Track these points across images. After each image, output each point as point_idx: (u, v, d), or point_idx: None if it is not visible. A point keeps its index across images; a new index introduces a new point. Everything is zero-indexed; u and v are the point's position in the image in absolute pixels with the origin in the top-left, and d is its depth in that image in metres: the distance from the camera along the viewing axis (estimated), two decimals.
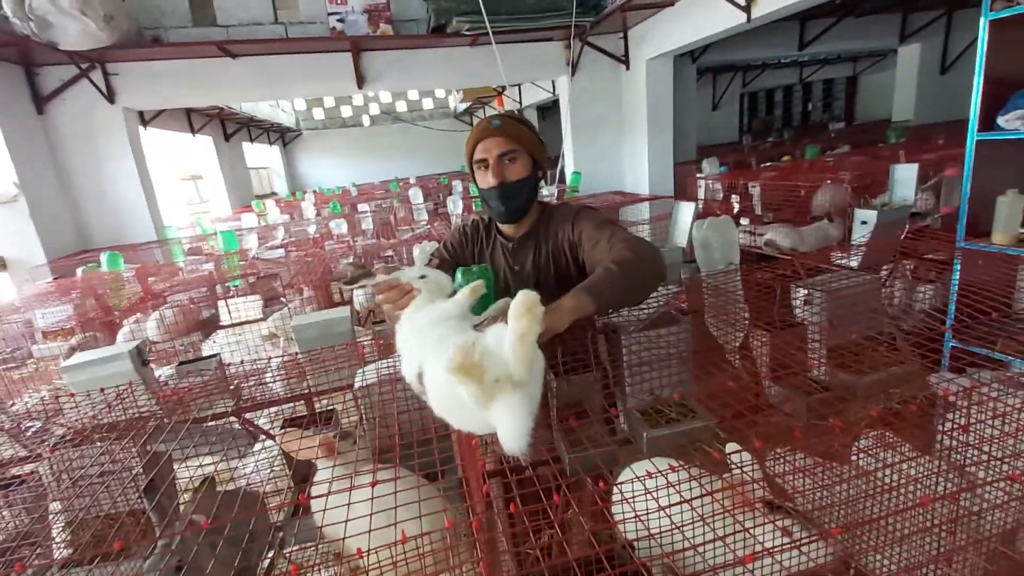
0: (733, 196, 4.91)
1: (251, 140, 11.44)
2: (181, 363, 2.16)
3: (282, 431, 1.45)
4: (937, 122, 7.24)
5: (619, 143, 6.34)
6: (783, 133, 12.41)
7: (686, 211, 2.93)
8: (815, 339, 1.71)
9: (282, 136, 14.48)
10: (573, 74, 5.94)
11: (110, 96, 4.88)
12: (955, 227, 2.44)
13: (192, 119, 8.03)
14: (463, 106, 13.61)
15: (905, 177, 2.98)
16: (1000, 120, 2.16)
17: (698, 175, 5.11)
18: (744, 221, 4.46)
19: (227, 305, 3.24)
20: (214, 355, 2.18)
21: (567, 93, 6.01)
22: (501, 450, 1.59)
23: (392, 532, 0.80)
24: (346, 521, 0.83)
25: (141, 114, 6.66)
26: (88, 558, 1.13)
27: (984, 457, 0.83)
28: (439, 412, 0.92)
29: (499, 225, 1.48)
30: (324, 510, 1.05)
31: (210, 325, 3.56)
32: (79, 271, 3.49)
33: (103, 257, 3.44)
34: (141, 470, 1.33)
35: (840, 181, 4.37)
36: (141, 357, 2.02)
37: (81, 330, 3.41)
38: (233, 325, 3.59)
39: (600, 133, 6.26)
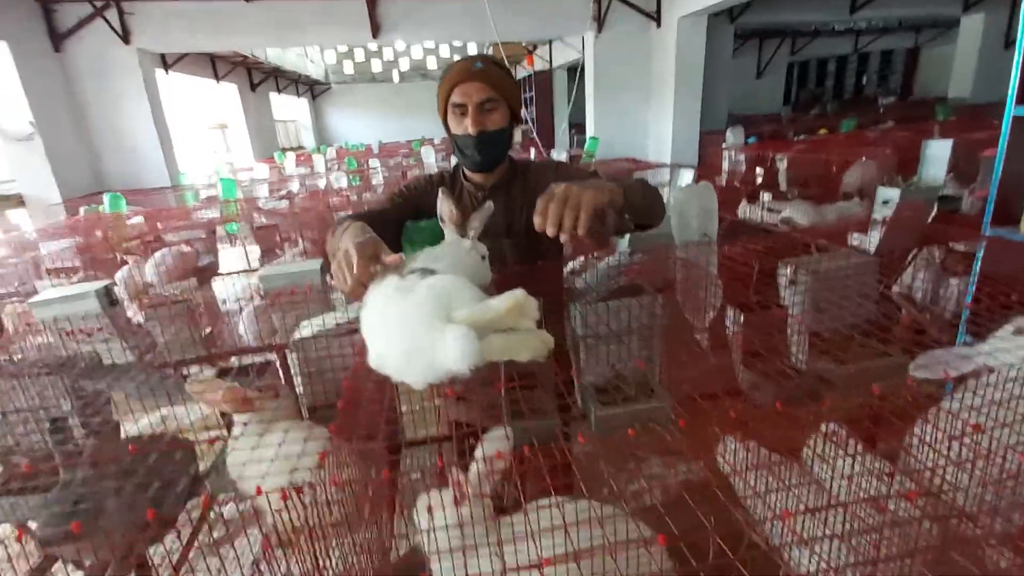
0: (758, 169, 4.63)
1: (279, 91, 11.40)
2: (150, 306, 2.15)
3: (201, 380, 1.41)
4: (994, 101, 6.63)
5: (644, 108, 6.04)
6: (827, 106, 11.68)
7: (686, 177, 2.74)
8: (796, 323, 1.57)
9: (311, 89, 14.40)
10: (600, 30, 5.62)
11: (125, 36, 4.86)
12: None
13: (216, 66, 8.00)
14: None
15: (937, 154, 2.71)
16: None
17: (723, 145, 4.83)
18: (766, 196, 4.21)
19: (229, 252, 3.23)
20: (183, 300, 2.17)
21: (592, 51, 5.71)
22: (454, 415, 1.53)
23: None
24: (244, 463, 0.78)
25: (163, 58, 6.64)
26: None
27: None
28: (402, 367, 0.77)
29: (466, 172, 1.39)
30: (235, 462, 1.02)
31: (207, 272, 3.58)
32: (81, 211, 3.53)
33: (105, 198, 3.46)
34: (69, 408, 1.32)
35: (874, 157, 4.06)
36: (109, 297, 2.01)
37: (83, 269, 3.48)
38: (229, 274, 3.61)
39: (624, 97, 5.96)
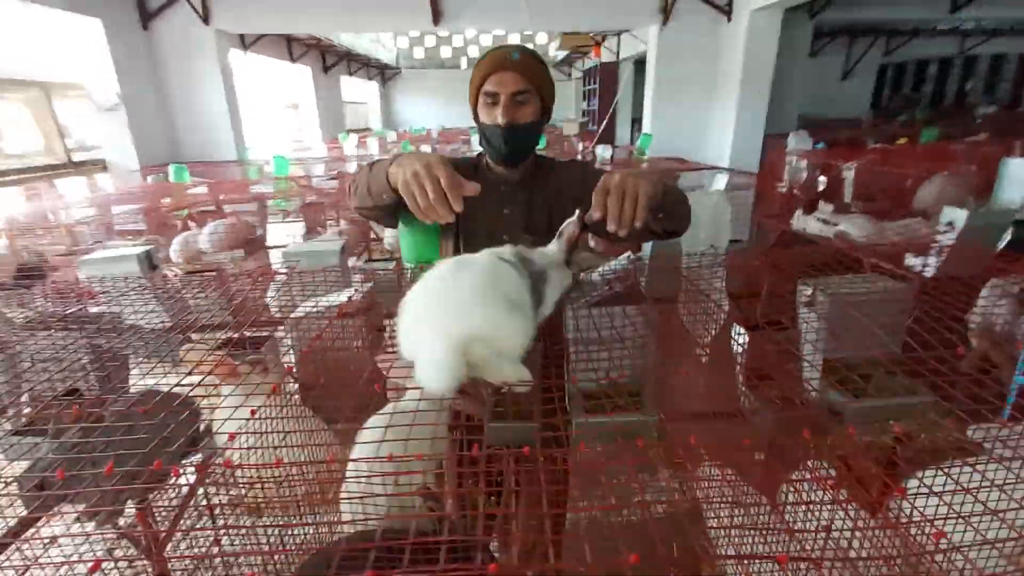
0: (820, 177, 4.32)
1: (350, 74, 11.79)
2: (187, 273, 2.29)
3: (196, 349, 1.48)
4: None
5: (706, 107, 5.77)
6: (916, 113, 10.73)
7: (720, 182, 2.60)
8: (809, 347, 1.46)
9: (381, 72, 14.80)
10: (665, 22, 5.41)
11: (205, 17, 5.16)
12: None
13: (292, 48, 8.37)
14: (561, 54, 13.07)
15: (1017, 175, 2.43)
16: None
17: (786, 150, 4.55)
18: (827, 207, 3.93)
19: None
20: (214, 270, 2.29)
21: (655, 44, 5.51)
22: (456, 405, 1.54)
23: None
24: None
25: (242, 38, 7.01)
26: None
27: None
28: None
29: (490, 163, 1.36)
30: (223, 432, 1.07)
31: (256, 244, 3.78)
32: (149, 179, 3.80)
33: (170, 169, 3.71)
34: (84, 359, 1.43)
35: (958, 172, 3.69)
36: (150, 261, 2.16)
37: (148, 233, 3.76)
38: (275, 247, 3.80)
39: (686, 93, 5.72)
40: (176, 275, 2.18)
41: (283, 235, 4.19)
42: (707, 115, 5.81)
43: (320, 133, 9.81)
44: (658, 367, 1.43)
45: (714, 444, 1.32)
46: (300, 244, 2.21)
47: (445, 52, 13.89)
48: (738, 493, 1.12)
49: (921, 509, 0.65)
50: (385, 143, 6.99)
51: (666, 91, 5.75)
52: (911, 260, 2.61)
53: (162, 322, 1.72)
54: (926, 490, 0.66)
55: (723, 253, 1.37)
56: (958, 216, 2.30)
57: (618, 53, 9.68)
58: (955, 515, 0.60)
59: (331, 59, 10.06)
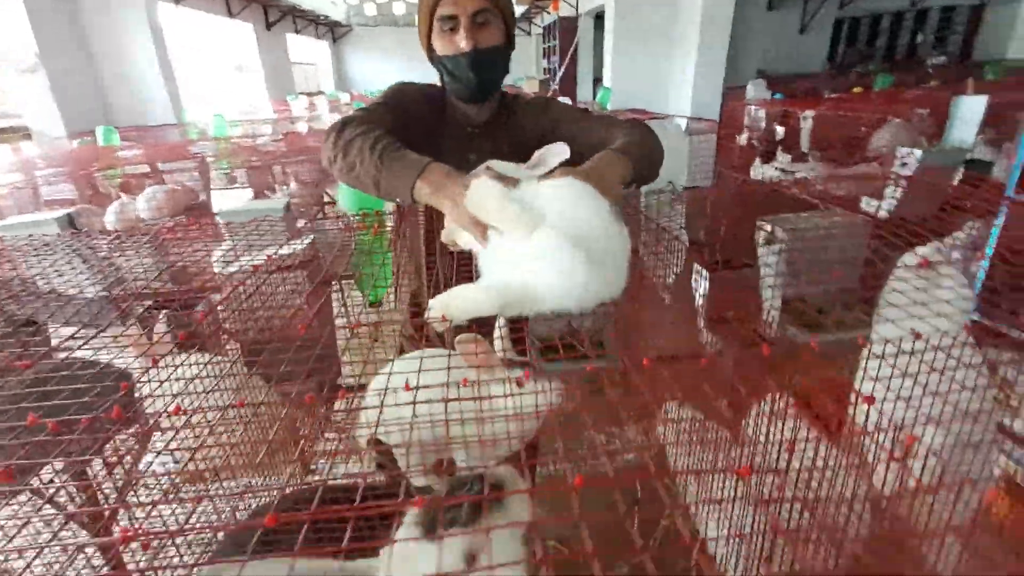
0: (778, 128, 4.32)
1: (296, 31, 11.12)
2: (113, 239, 2.12)
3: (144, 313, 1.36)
4: None
5: (666, 59, 5.67)
6: (870, 66, 10.90)
7: (680, 125, 2.54)
8: (769, 285, 1.44)
9: (331, 31, 14.03)
10: None
11: None
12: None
13: (230, 2, 7.79)
14: (520, 9, 12.63)
15: (968, 114, 2.45)
16: None
17: (744, 101, 4.52)
18: (783, 157, 3.95)
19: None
20: (146, 232, 2.13)
21: None
22: None
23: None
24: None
25: None
26: None
27: None
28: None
29: (455, 105, 1.22)
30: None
31: (200, 211, 3.55)
32: (74, 143, 3.51)
33: (98, 131, 3.42)
34: None
35: (909, 118, 3.74)
36: (72, 225, 1.98)
37: (80, 202, 3.48)
38: (219, 213, 3.58)
39: (646, 46, 5.60)
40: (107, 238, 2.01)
41: (229, 200, 3.96)
42: (667, 68, 5.72)
43: (267, 95, 9.28)
44: (619, 312, 1.40)
45: (678, 385, 1.30)
46: (239, 205, 2.07)
47: (399, 8, 13.21)
48: (703, 432, 1.10)
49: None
50: (339, 105, 6.66)
51: (625, 44, 5.61)
52: (866, 204, 2.63)
53: (85, 288, 1.57)
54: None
55: (681, 190, 1.31)
56: (911, 155, 2.32)
57: (577, 6, 9.41)
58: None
59: (274, 15, 9.44)
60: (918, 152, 2.32)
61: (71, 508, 1.04)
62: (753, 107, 4.04)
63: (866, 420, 0.64)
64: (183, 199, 3.50)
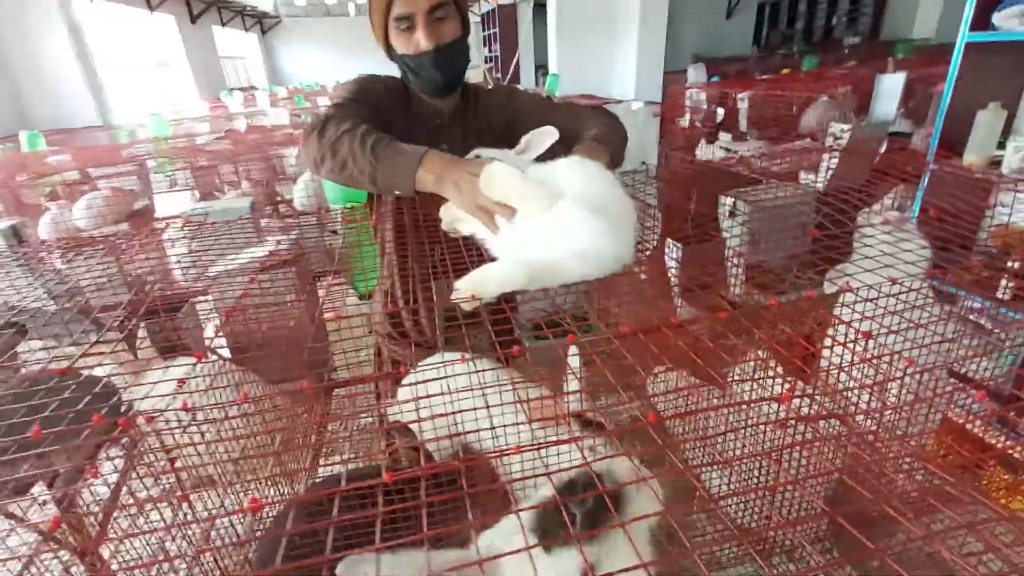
0: (719, 109, 4.55)
1: (222, 24, 10.55)
2: (68, 249, 2.01)
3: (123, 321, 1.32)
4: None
5: (608, 46, 5.82)
6: (794, 48, 11.54)
7: (636, 107, 2.65)
8: (734, 255, 1.56)
9: (259, 22, 13.39)
10: None
11: None
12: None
13: None
14: None
15: (889, 89, 2.69)
16: (995, 18, 1.87)
17: (685, 85, 4.71)
18: (725, 137, 4.17)
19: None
20: (103, 240, 2.03)
21: None
22: (395, 355, 1.48)
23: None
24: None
25: None
26: None
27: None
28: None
29: (421, 98, 1.22)
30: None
31: (144, 216, 3.37)
32: None
33: (22, 136, 3.18)
34: None
35: (833, 96, 4.02)
36: (17, 237, 1.87)
37: (7, 213, 3.23)
38: (166, 218, 3.41)
39: (587, 32, 5.72)
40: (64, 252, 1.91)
41: (174, 204, 3.78)
42: (609, 52, 5.86)
43: (196, 92, 8.79)
44: (601, 289, 1.47)
45: (664, 352, 1.39)
46: (202, 204, 2.01)
47: None
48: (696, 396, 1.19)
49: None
50: (277, 99, 6.42)
51: (568, 31, 5.71)
52: (804, 177, 2.84)
53: (44, 301, 1.50)
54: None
55: (653, 169, 1.40)
56: (843, 130, 2.53)
57: None
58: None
59: (198, 7, 8.92)
60: (849, 126, 2.53)
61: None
62: (695, 90, 4.23)
63: (843, 356, 0.74)
64: (124, 204, 3.32)
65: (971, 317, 1.56)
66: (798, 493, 0.84)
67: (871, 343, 0.63)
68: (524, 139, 0.96)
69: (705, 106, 4.32)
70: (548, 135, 0.96)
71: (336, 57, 14.29)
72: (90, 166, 3.05)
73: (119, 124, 4.98)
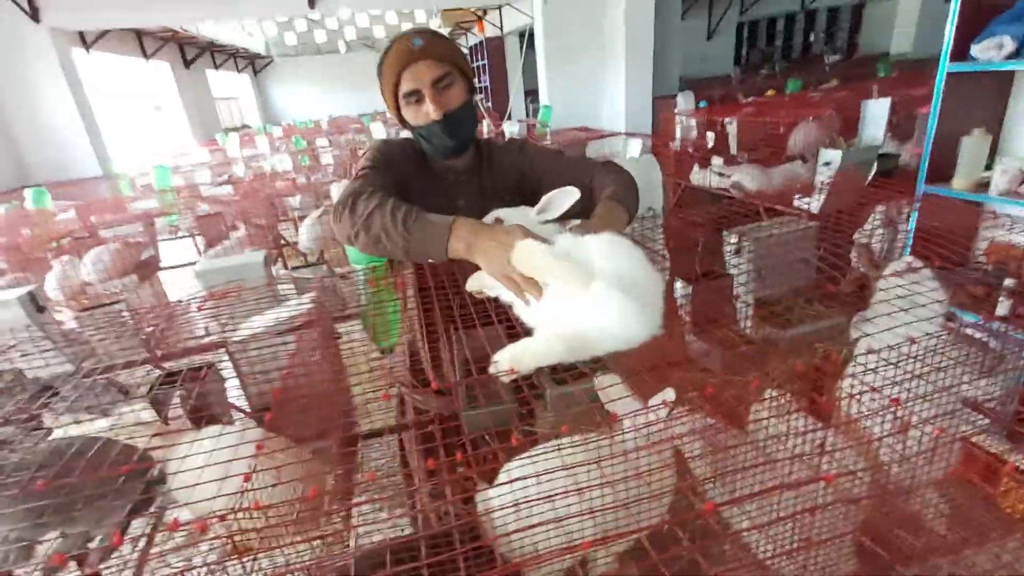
0: (708, 134, 4.66)
1: (215, 67, 10.75)
2: (83, 309, 2.03)
3: (152, 390, 1.35)
4: (936, 55, 6.83)
5: (597, 75, 5.96)
6: (775, 66, 11.84)
7: (634, 147, 2.73)
8: (742, 290, 1.61)
9: (252, 63, 13.65)
10: None
11: (34, 14, 4.45)
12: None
13: (144, 42, 7.46)
14: (444, 31, 12.82)
15: (876, 114, 2.79)
16: (974, 49, 1.96)
17: (675, 111, 4.83)
18: (717, 161, 4.27)
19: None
20: (118, 301, 2.05)
21: (541, 17, 5.57)
22: (417, 404, 1.51)
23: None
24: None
25: (82, 35, 6.17)
26: None
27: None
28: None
29: (435, 158, 1.27)
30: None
31: (149, 267, 3.41)
32: (1, 209, 3.28)
33: (27, 193, 3.22)
34: None
35: (818, 118, 4.13)
36: (35, 303, 1.89)
37: (11, 271, 3.25)
38: (172, 268, 3.45)
39: (576, 63, 5.87)
40: (76, 312, 1.94)
41: (178, 253, 3.82)
42: (599, 82, 6.01)
43: (191, 134, 8.91)
44: None
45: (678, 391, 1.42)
46: (213, 260, 2.04)
47: (320, 36, 13.02)
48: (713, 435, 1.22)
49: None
50: (273, 140, 6.52)
51: (557, 62, 5.85)
52: (798, 201, 2.92)
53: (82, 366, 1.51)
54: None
55: (660, 213, 1.45)
56: (834, 156, 2.60)
57: (502, 27, 9.66)
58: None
59: (192, 52, 9.10)
60: (838, 152, 2.61)
61: None
62: (684, 117, 4.34)
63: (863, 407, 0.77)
64: (131, 256, 3.35)
65: (968, 332, 1.60)
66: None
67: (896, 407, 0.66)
68: (544, 199, 0.98)
69: (695, 133, 4.43)
70: (569, 195, 0.98)
71: (327, 93, 14.53)
72: (100, 226, 3.09)
73: (119, 173, 5.04)
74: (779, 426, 1.13)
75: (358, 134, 7.66)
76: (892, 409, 0.63)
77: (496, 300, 1.11)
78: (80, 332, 1.99)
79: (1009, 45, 1.87)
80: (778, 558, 0.82)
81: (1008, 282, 1.83)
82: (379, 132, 5.74)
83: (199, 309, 1.35)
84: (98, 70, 6.46)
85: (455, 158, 1.25)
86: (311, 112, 13.68)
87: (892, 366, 0.71)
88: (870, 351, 0.74)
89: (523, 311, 0.90)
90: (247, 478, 0.66)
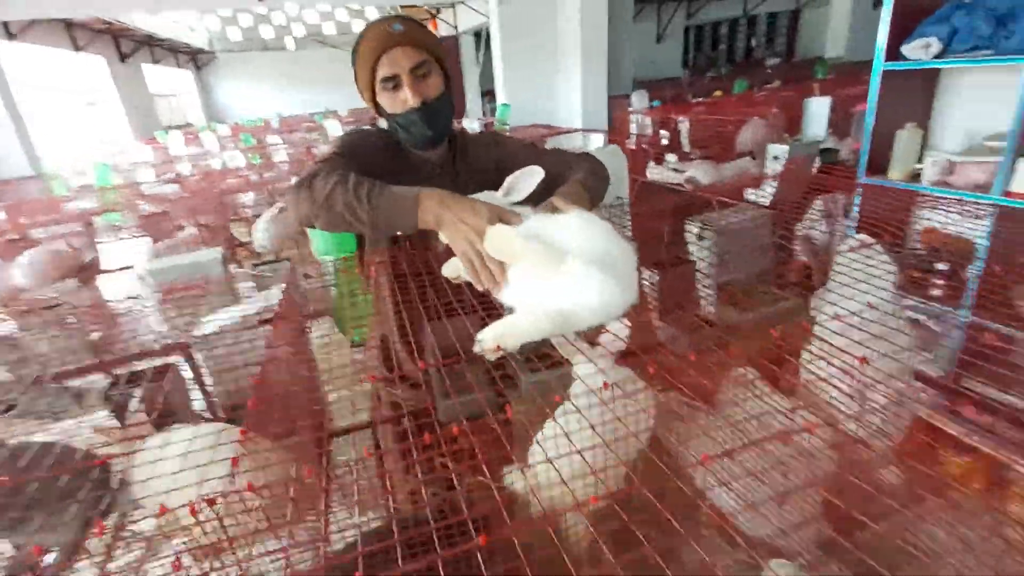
0: (662, 132, 4.81)
1: (154, 61, 10.22)
2: (21, 313, 1.90)
3: (111, 391, 1.28)
4: (867, 59, 7.30)
5: (553, 74, 6.04)
6: (721, 69, 12.33)
7: (596, 142, 2.79)
8: (705, 276, 1.67)
9: (193, 59, 13.04)
10: None
11: None
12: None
13: (75, 34, 7.01)
14: None
15: (817, 112, 2.95)
16: (904, 49, 2.11)
17: (629, 109, 4.96)
18: (671, 158, 4.41)
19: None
20: (58, 303, 1.93)
21: (497, 16, 5.59)
22: (393, 397, 1.48)
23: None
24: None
25: (6, 25, 5.76)
26: None
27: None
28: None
29: (411, 150, 1.24)
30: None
31: (90, 270, 3.21)
32: None
33: None
34: None
35: (763, 117, 4.34)
36: None
37: None
38: (115, 271, 3.26)
39: (532, 61, 5.93)
40: (14, 316, 1.81)
41: (121, 255, 3.61)
42: (555, 81, 6.08)
43: (129, 132, 8.43)
44: None
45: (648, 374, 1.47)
46: (166, 258, 1.96)
47: (267, 32, 12.55)
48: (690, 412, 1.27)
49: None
50: (220, 138, 6.26)
51: (514, 61, 5.89)
52: (750, 194, 3.06)
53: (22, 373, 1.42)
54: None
55: (627, 202, 1.49)
56: (782, 150, 2.75)
57: (456, 26, 9.63)
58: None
59: (128, 46, 8.61)
60: (785, 147, 2.75)
61: None
62: (640, 115, 4.46)
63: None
64: (68, 259, 3.15)
65: (909, 315, 1.73)
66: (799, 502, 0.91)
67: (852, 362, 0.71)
68: (509, 180, 0.98)
69: (650, 130, 4.56)
70: (533, 175, 0.97)
71: (277, 91, 14.07)
72: (32, 227, 2.88)
73: (51, 172, 4.73)
74: (747, 398, 1.19)
75: (309, 132, 7.46)
76: (858, 367, 0.68)
77: (470, 285, 1.11)
78: (19, 337, 1.87)
79: (936, 45, 2.02)
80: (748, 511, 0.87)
81: (941, 266, 1.98)
82: (335, 129, 5.61)
83: (164, 302, 1.29)
84: (24, 62, 6.04)
85: (431, 149, 1.24)
86: (259, 110, 13.20)
87: (856, 329, 0.76)
88: (835, 317, 0.79)
89: (503, 293, 0.91)
90: (235, 463, 0.64)
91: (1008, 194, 1.91)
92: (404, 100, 1.11)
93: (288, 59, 13.68)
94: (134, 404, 1.24)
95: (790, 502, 1.00)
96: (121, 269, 3.26)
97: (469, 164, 1.29)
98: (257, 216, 3.77)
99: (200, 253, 1.94)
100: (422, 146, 1.20)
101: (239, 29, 12.34)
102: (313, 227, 1.02)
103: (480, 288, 0.87)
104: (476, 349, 0.84)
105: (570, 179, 1.14)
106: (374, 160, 1.20)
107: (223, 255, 2.03)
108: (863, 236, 1.10)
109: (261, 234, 3.36)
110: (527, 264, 0.82)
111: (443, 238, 0.93)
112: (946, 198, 2.03)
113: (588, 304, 0.79)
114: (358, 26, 13.18)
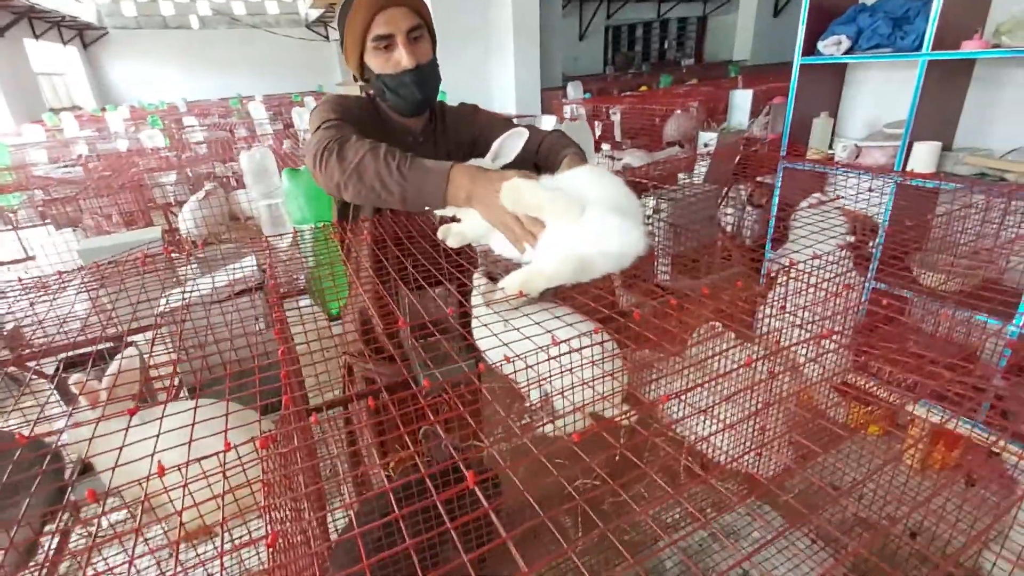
0: (596, 121, 5.01)
1: (35, 36, 9.08)
2: None
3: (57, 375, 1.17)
4: (770, 63, 7.99)
5: (486, 61, 6.07)
6: (641, 67, 12.95)
7: (548, 124, 2.87)
8: (661, 247, 1.80)
9: (80, 34, 11.71)
10: None
11: None
12: (779, 151, 2.68)
13: None
14: (314, 13, 12.05)
15: (741, 103, 3.22)
16: (819, 46, 2.35)
17: (563, 99, 5.10)
18: (605, 147, 4.60)
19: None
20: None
21: (429, 1, 5.52)
22: (365, 372, 1.45)
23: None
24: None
25: None
26: None
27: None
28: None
29: (393, 117, 1.22)
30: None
31: None
32: None
33: None
34: None
35: (687, 110, 4.64)
36: None
37: None
38: (15, 262, 2.91)
39: (466, 49, 5.92)
40: None
41: (17, 245, 3.22)
42: (488, 69, 6.12)
43: (9, 115, 7.46)
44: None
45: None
46: (97, 238, 1.81)
47: (166, 9, 11.53)
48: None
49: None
50: (121, 120, 5.73)
51: (448, 48, 5.82)
52: (682, 178, 3.27)
53: None
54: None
55: None
56: (711, 137, 2.97)
57: None
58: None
59: (5, 17, 7.59)
60: (715, 134, 2.98)
61: None
62: (575, 105, 4.60)
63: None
64: None
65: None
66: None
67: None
68: (496, 144, 0.99)
69: (584, 119, 4.72)
70: (519, 136, 1.00)
71: (182, 73, 12.96)
72: None
73: None
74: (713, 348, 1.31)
75: (225, 117, 7.00)
76: (832, 305, 0.79)
77: (459, 253, 1.13)
78: None
79: (845, 43, 2.27)
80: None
81: (849, 238, 2.24)
82: (259, 111, 5.30)
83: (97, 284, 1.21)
84: None
85: (415, 117, 1.22)
86: (161, 94, 12.10)
87: (823, 270, 0.87)
88: (793, 265, 0.90)
89: (514, 252, 0.94)
90: (227, 446, 0.61)
91: (906, 173, 2.19)
92: (398, 61, 1.09)
93: (193, 38, 12.64)
94: (92, 385, 1.14)
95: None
96: (16, 261, 2.91)
97: (449, 135, 1.29)
98: (183, 203, 3.50)
99: (138, 233, 1.80)
100: (410, 111, 1.18)
101: (133, 4, 11.26)
102: (340, 197, 0.99)
103: (520, 252, 0.90)
104: (498, 295, 0.87)
105: (564, 153, 1.18)
106: (362, 128, 1.18)
107: (163, 233, 1.89)
108: (818, 194, 1.24)
109: (189, 219, 3.14)
110: (547, 215, 0.86)
111: (461, 214, 0.95)
112: (855, 177, 2.30)
113: (608, 250, 0.85)
114: (272, 7, 12.43)
